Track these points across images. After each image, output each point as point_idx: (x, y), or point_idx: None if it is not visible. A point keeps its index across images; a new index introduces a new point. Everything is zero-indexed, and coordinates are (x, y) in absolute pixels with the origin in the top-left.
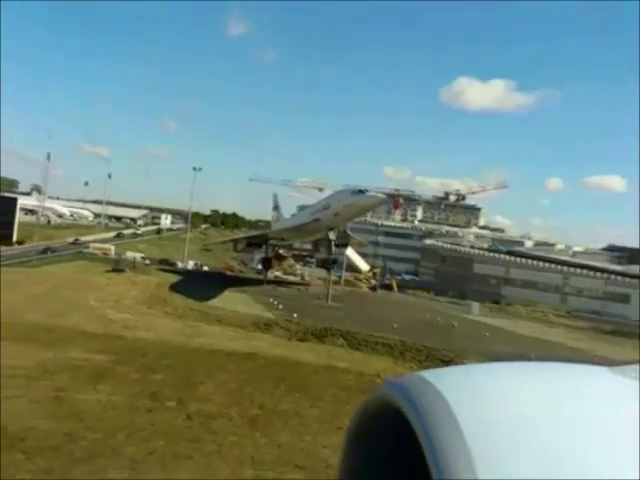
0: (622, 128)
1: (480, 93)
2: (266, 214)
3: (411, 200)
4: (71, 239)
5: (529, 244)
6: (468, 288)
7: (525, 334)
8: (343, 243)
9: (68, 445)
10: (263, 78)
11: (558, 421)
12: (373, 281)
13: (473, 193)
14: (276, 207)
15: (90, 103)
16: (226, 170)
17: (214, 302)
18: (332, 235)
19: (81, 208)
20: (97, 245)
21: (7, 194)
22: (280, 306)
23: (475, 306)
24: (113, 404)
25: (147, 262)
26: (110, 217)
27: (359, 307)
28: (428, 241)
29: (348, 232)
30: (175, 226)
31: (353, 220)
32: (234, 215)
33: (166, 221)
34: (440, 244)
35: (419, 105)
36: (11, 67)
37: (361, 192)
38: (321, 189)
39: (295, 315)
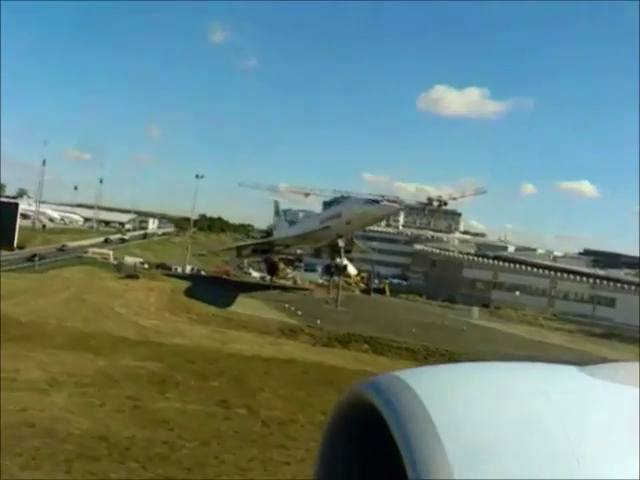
0: (593, 135)
1: (456, 100)
2: (249, 218)
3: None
4: (59, 245)
5: (511, 249)
6: (457, 292)
7: (529, 338)
8: (347, 249)
9: (173, 454)
10: (244, 85)
11: (531, 419)
12: (362, 285)
13: (454, 199)
14: (277, 214)
15: (73, 109)
16: (209, 174)
17: (233, 308)
18: (341, 242)
19: (70, 212)
20: (96, 250)
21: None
22: (299, 312)
23: (475, 310)
24: (191, 413)
25: (146, 266)
26: (99, 221)
27: (366, 312)
28: (418, 246)
29: (353, 239)
30: (161, 230)
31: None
32: (220, 219)
33: (153, 225)
34: (430, 249)
35: (398, 112)
36: None
37: (374, 202)
38: (307, 194)
39: (318, 322)
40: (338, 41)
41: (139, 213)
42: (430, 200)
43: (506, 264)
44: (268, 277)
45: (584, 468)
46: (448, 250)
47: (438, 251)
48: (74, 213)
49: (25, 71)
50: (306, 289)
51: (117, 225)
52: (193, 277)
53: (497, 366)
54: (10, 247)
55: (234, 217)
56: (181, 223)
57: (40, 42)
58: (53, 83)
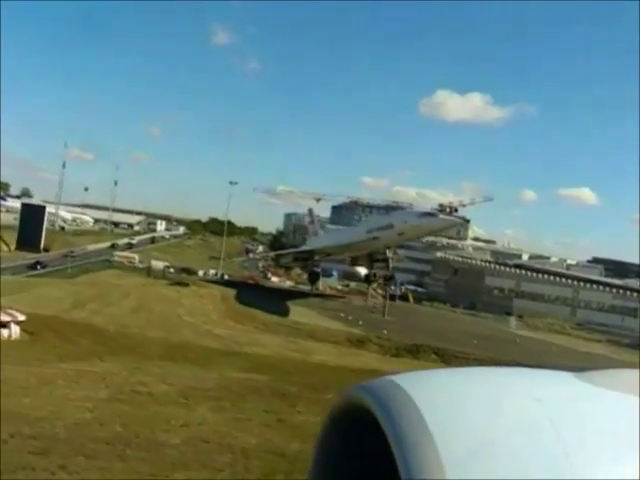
0: (595, 141)
1: (458, 106)
2: (252, 221)
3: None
4: (64, 250)
5: (525, 257)
6: (479, 300)
7: (573, 348)
8: (384, 258)
9: None
10: (245, 87)
11: (525, 424)
12: (379, 292)
13: (463, 206)
14: (312, 222)
15: (74, 109)
16: (209, 176)
17: (293, 317)
18: (389, 253)
19: (81, 213)
20: (122, 253)
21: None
22: (360, 322)
23: (512, 320)
24: None
25: (171, 270)
26: (106, 222)
27: (411, 321)
28: (439, 253)
29: (396, 249)
30: (168, 233)
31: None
32: (229, 223)
33: (161, 227)
34: (451, 257)
35: (399, 116)
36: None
37: (431, 214)
38: (319, 200)
39: (385, 332)
40: (340, 44)
41: (147, 215)
42: (442, 207)
43: (527, 272)
44: (288, 283)
45: (578, 473)
46: (471, 258)
47: (460, 259)
48: (85, 214)
49: (26, 69)
50: (342, 296)
51: (126, 226)
52: (230, 283)
53: (493, 371)
54: (37, 250)
55: (236, 219)
56: (192, 226)
57: (42, 41)
58: (54, 82)
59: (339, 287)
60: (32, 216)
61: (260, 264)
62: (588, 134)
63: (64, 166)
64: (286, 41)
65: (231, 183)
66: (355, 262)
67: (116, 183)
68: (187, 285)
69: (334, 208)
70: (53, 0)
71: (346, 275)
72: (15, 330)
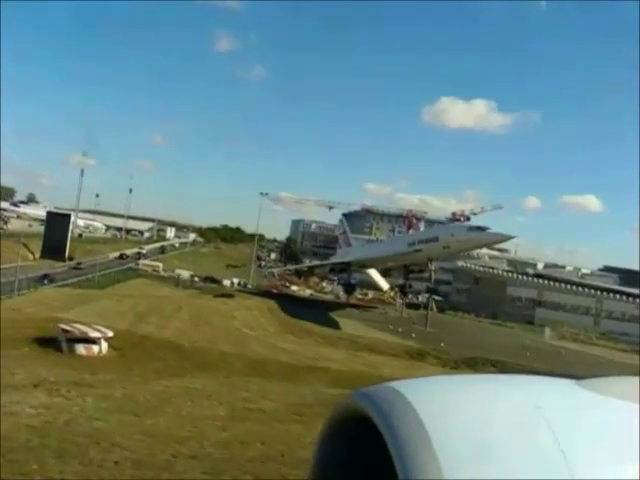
0: (599, 148)
1: (462, 113)
2: (254, 227)
3: (422, 220)
4: (74, 262)
5: (540, 266)
6: (501, 309)
7: (610, 358)
8: (420, 269)
9: None
10: (247, 95)
11: (524, 431)
12: (399, 300)
13: (475, 214)
14: (344, 232)
15: (75, 116)
16: (213, 182)
17: (345, 329)
18: (432, 265)
19: (91, 220)
20: (146, 262)
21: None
22: (412, 334)
23: (547, 330)
24: None
25: (196, 279)
26: (119, 229)
27: (452, 332)
28: (460, 262)
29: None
30: (178, 241)
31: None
32: (238, 229)
33: (170, 234)
34: (472, 266)
35: (403, 123)
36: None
37: (479, 229)
38: (331, 208)
39: (442, 344)
40: (343, 52)
41: (158, 221)
42: (454, 215)
43: (547, 282)
44: (307, 291)
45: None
46: (492, 268)
47: (481, 268)
48: (96, 221)
49: (26, 76)
50: (375, 307)
51: (137, 233)
52: (259, 293)
53: (493, 378)
54: (62, 258)
55: (241, 226)
56: (205, 233)
57: (44, 49)
58: (56, 89)
59: (359, 296)
60: (57, 224)
61: (275, 272)
62: (592, 141)
63: (82, 174)
64: (289, 48)
65: (262, 194)
66: (386, 273)
67: (131, 191)
68: (232, 297)
69: (345, 216)
70: (55, 8)
71: (363, 285)
72: (104, 346)
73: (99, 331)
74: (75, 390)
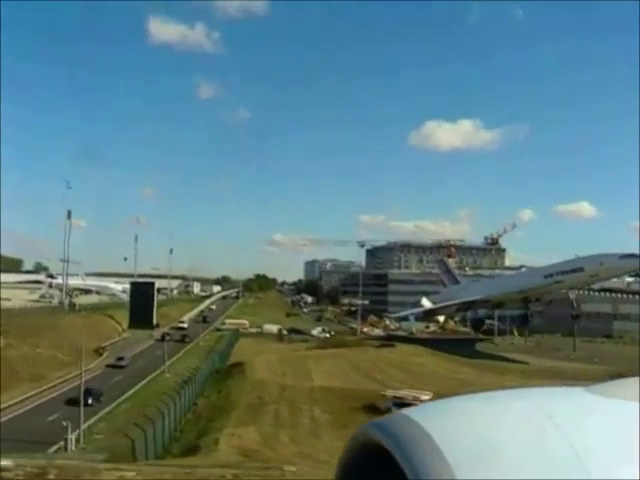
0: (589, 154)
1: (449, 134)
2: (257, 270)
3: (461, 248)
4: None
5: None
6: (580, 326)
7: None
8: (537, 298)
9: None
10: (234, 138)
11: (539, 443)
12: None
13: (500, 236)
14: (448, 271)
15: (61, 179)
16: (209, 231)
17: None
18: (572, 295)
19: (116, 282)
20: (233, 321)
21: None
22: (595, 359)
23: None
24: None
25: (285, 332)
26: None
27: (597, 353)
28: None
29: None
30: (218, 296)
31: None
32: (265, 277)
33: (197, 289)
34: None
35: (390, 151)
36: None
37: (632, 256)
38: (363, 245)
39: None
40: (327, 88)
41: (183, 278)
42: (490, 239)
43: (615, 295)
44: (376, 331)
45: None
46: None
47: None
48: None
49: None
50: (488, 339)
51: (168, 292)
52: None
53: (502, 394)
54: (150, 326)
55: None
56: (248, 284)
57: (37, 111)
58: (47, 152)
59: (429, 329)
60: (141, 293)
61: (325, 315)
62: (580, 147)
63: (136, 240)
64: (272, 87)
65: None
66: (498, 306)
67: (171, 251)
68: (393, 345)
69: (369, 252)
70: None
71: (419, 318)
72: None
73: (415, 395)
74: None
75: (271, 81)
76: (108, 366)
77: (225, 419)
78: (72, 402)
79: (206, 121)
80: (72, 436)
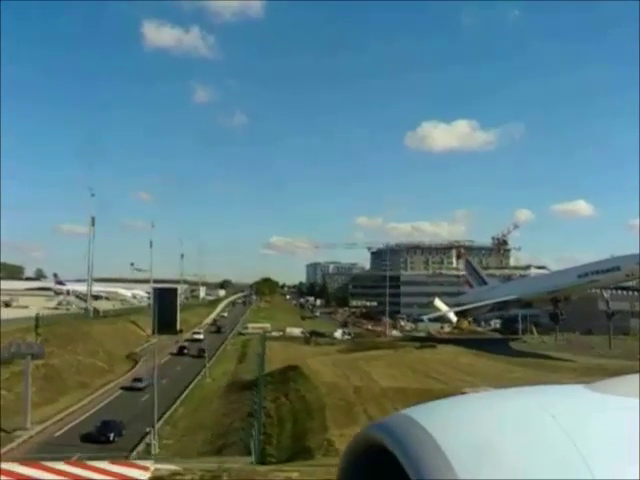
0: (585, 153)
1: (445, 135)
2: (256, 274)
3: (471, 249)
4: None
5: None
6: (595, 324)
7: None
8: (566, 298)
9: None
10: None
11: (543, 442)
12: (480, 329)
13: (505, 236)
14: (475, 272)
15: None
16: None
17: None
18: (606, 294)
19: (126, 288)
20: (255, 325)
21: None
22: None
23: None
24: None
25: (306, 334)
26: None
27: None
28: None
29: None
30: (227, 301)
31: None
32: (270, 280)
33: (202, 293)
34: None
35: (386, 153)
36: None
37: None
38: (370, 248)
39: None
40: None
41: (187, 282)
42: (499, 240)
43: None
44: (394, 332)
45: None
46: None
47: None
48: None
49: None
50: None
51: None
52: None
53: (504, 393)
54: (174, 332)
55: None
56: (259, 288)
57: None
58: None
59: (446, 330)
60: (166, 299)
61: (340, 318)
62: (576, 147)
63: (151, 245)
64: (269, 90)
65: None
66: (529, 305)
67: (182, 256)
68: (434, 346)
69: (374, 253)
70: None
71: (433, 319)
72: None
73: None
74: None
75: (268, 85)
76: (123, 388)
77: (318, 421)
78: (88, 438)
79: (203, 126)
80: (154, 441)
